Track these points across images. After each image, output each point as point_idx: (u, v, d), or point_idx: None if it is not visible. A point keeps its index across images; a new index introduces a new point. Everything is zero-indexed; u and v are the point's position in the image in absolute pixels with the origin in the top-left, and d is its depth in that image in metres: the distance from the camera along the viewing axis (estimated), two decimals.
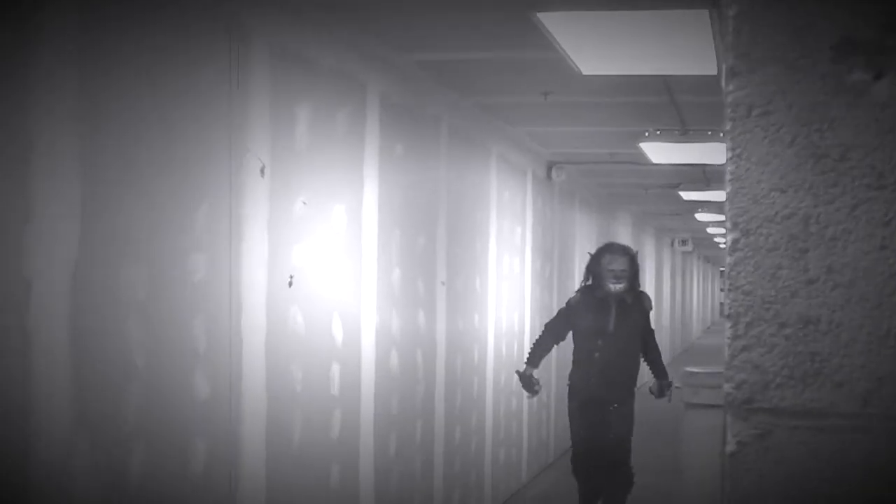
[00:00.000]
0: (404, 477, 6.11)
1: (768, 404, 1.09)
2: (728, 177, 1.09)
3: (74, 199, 3.16)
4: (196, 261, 3.84)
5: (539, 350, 7.20)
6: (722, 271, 47.87)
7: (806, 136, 1.08)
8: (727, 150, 1.10)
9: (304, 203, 4.67)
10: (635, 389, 7.08)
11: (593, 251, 7.23)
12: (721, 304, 47.22)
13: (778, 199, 1.09)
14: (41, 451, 3.05)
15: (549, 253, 10.36)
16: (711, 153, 8.56)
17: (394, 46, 5.64)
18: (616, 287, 6.86)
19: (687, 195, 12.68)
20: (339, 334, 5.11)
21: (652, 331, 7.26)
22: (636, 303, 7.01)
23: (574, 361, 7.08)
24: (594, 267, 7.02)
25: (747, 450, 1.09)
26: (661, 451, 10.59)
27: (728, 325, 1.10)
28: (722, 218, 16.30)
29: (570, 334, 7.17)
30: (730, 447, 1.09)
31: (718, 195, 12.27)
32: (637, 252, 7.25)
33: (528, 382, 7.14)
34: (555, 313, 7.52)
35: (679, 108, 7.19)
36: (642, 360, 7.13)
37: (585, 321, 6.93)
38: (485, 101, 7.46)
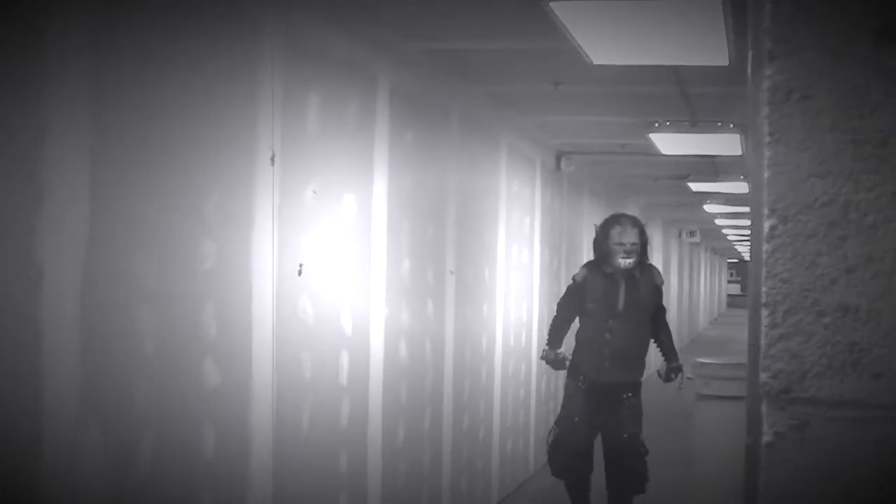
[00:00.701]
0: (412, 467, 6.11)
1: (805, 394, 1.07)
2: (765, 162, 1.06)
3: (84, 187, 3.15)
4: (206, 249, 3.83)
5: (557, 331, 6.84)
6: (730, 262, 47.84)
7: (846, 122, 1.06)
8: (765, 134, 1.07)
9: (314, 192, 4.66)
10: (643, 378, 6.70)
11: (599, 223, 6.73)
12: (729, 295, 47.16)
13: (817, 185, 1.06)
14: (51, 440, 3.04)
15: (558, 244, 10.33)
16: (721, 144, 8.53)
17: (404, 36, 5.62)
18: (627, 262, 6.41)
19: (696, 186, 12.65)
20: (347, 323, 5.09)
21: (664, 308, 6.80)
22: (645, 277, 6.56)
23: (581, 342, 6.68)
24: (602, 240, 6.54)
25: (784, 441, 1.07)
26: (672, 443, 10.56)
27: (765, 313, 1.08)
28: (729, 209, 16.27)
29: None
30: (766, 438, 1.07)
31: (727, 187, 12.23)
32: (646, 223, 6.77)
33: (555, 361, 6.81)
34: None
35: (689, 98, 7.16)
36: (652, 341, 6.71)
37: (594, 299, 6.51)
38: (495, 91, 7.43)
